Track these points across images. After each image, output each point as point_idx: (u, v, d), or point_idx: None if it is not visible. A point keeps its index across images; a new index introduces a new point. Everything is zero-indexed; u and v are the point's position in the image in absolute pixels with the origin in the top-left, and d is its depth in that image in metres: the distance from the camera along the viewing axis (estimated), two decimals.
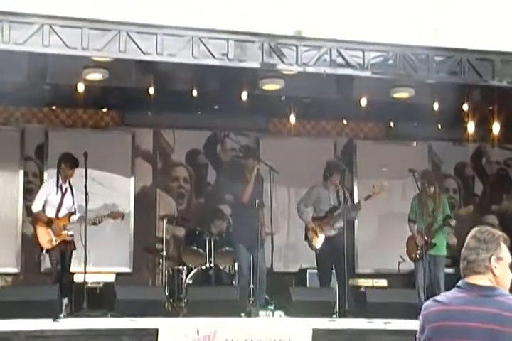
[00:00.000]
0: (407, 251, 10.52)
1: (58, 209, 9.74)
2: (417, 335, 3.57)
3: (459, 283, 3.54)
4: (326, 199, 10.56)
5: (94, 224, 9.64)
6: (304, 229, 10.64)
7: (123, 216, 10.15)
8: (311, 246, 10.56)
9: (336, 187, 10.56)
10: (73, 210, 9.75)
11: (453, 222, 10.25)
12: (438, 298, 3.55)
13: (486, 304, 3.45)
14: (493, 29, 8.20)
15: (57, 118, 11.95)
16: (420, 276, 10.10)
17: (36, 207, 9.83)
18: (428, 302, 3.57)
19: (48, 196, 9.77)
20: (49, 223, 9.65)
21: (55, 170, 10.01)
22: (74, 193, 9.80)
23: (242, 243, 10.08)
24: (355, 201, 10.91)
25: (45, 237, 9.64)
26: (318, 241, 10.38)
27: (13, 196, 11.61)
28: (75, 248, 9.59)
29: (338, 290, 9.76)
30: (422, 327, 3.51)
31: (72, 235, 9.69)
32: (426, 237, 10.06)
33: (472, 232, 3.62)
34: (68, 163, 9.79)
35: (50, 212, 9.74)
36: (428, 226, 10.19)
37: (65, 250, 9.64)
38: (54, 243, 9.59)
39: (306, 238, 10.58)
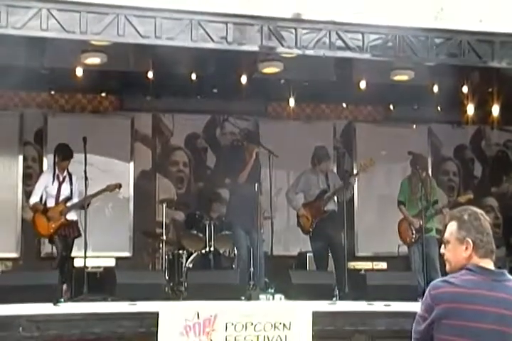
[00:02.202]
0: (399, 234, 10.52)
1: (57, 198, 9.80)
2: (421, 314, 3.54)
3: (470, 266, 3.54)
4: (315, 184, 10.60)
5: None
6: (296, 216, 10.68)
7: (120, 186, 10.14)
8: (303, 231, 10.62)
9: (323, 172, 10.63)
10: (70, 196, 9.77)
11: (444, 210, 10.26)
12: (449, 279, 3.54)
13: (497, 289, 3.47)
14: (492, 10, 8.16)
15: (56, 103, 11.94)
16: (416, 260, 10.13)
17: (33, 199, 9.91)
18: (438, 283, 3.56)
19: (45, 188, 9.85)
20: (45, 211, 9.72)
21: (53, 157, 10.06)
22: (73, 181, 9.82)
23: (241, 227, 10.09)
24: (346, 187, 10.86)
25: (42, 226, 9.75)
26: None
27: (13, 181, 11.62)
28: (79, 235, 9.61)
29: (335, 274, 9.78)
30: (429, 307, 3.50)
31: (71, 220, 9.71)
32: (421, 222, 10.06)
33: (477, 215, 3.61)
34: (61, 155, 9.85)
35: (50, 202, 9.82)
36: (421, 211, 10.16)
37: (67, 236, 9.67)
38: (51, 230, 9.63)
39: (299, 224, 10.63)
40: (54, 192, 9.81)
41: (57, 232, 9.70)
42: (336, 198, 10.55)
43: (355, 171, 11.69)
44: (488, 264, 3.55)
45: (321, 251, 10.37)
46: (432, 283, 3.59)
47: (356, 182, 10.92)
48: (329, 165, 10.96)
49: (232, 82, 10.12)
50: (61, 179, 9.86)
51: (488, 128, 13.02)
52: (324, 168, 10.64)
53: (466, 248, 3.54)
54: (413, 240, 10.25)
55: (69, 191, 9.81)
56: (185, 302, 8.49)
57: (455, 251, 3.58)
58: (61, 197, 9.79)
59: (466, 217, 3.59)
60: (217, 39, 7.70)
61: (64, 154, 9.86)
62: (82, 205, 9.44)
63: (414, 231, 10.25)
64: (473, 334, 3.40)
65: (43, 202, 9.86)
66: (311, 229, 10.47)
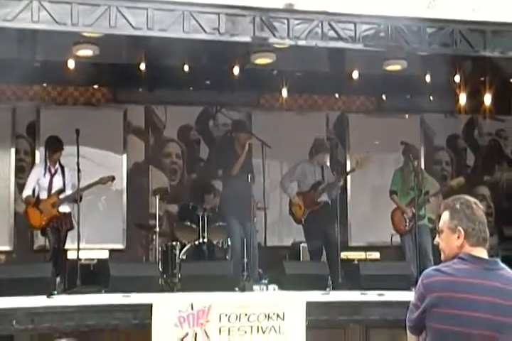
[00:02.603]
0: (393, 224, 10.54)
1: (49, 191, 9.78)
2: (414, 302, 3.57)
3: (462, 254, 3.55)
4: (311, 174, 10.64)
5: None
6: (288, 204, 10.70)
7: (113, 178, 10.12)
8: (295, 220, 10.66)
9: (319, 164, 10.67)
10: (63, 188, 9.77)
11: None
12: (441, 268, 3.56)
13: (489, 277, 3.48)
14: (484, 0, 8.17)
15: (49, 95, 11.92)
16: (409, 249, 10.15)
17: (25, 193, 9.90)
18: (430, 272, 3.57)
19: (38, 180, 9.83)
20: (37, 204, 9.71)
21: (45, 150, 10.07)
22: (66, 173, 9.81)
23: (234, 218, 10.08)
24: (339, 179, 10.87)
25: (35, 218, 9.73)
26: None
27: (5, 174, 11.60)
28: (72, 227, 9.61)
29: (328, 264, 9.80)
30: (421, 295, 3.52)
31: (64, 212, 9.71)
32: (413, 209, 10.09)
33: (470, 203, 3.62)
34: (51, 148, 9.84)
35: (43, 195, 9.81)
36: (413, 199, 10.19)
37: (60, 228, 9.67)
38: (43, 222, 9.63)
39: (291, 212, 10.66)
40: (46, 184, 9.79)
41: (50, 224, 9.67)
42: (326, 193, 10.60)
43: (349, 167, 11.76)
44: (481, 253, 3.56)
45: (315, 241, 10.39)
46: (424, 272, 3.60)
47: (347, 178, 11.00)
48: (326, 157, 10.99)
49: (225, 73, 10.11)
50: (53, 171, 9.84)
51: (480, 117, 13.02)
52: (321, 159, 10.68)
53: (458, 236, 3.56)
54: (407, 228, 10.27)
55: (61, 183, 9.80)
56: (179, 294, 8.50)
57: (448, 240, 3.59)
58: (53, 190, 9.78)
59: (458, 205, 3.60)
60: (209, 30, 7.68)
61: (54, 146, 9.85)
62: (75, 198, 9.45)
63: (407, 220, 10.28)
64: (464, 322, 3.41)
65: (36, 194, 9.85)
66: (303, 219, 10.51)
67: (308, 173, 10.63)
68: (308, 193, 10.55)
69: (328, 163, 11.28)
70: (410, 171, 10.28)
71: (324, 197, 10.55)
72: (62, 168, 9.86)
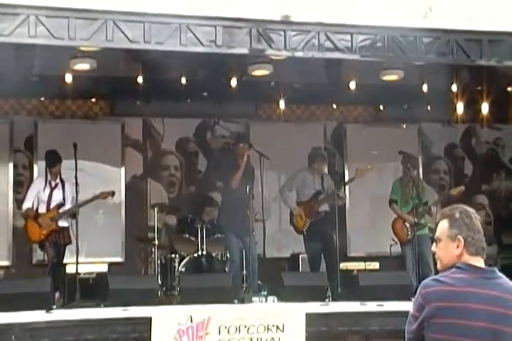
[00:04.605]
0: (394, 233, 10.55)
1: (48, 204, 9.80)
2: (413, 313, 3.54)
3: (460, 264, 3.54)
4: (310, 184, 10.67)
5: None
6: (289, 215, 10.68)
7: (113, 193, 10.14)
8: (296, 230, 10.66)
9: (319, 173, 10.68)
10: (63, 202, 9.76)
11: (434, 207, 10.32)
12: (439, 278, 3.54)
13: (487, 286, 3.48)
14: (480, 9, 8.18)
15: (46, 109, 11.93)
16: (410, 258, 10.15)
17: (25, 205, 9.93)
18: (428, 282, 3.56)
19: (38, 193, 9.85)
20: (36, 217, 9.72)
21: (44, 164, 10.06)
22: (66, 187, 9.82)
23: (233, 230, 10.09)
24: (338, 188, 10.87)
25: (33, 232, 9.76)
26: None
27: (3, 189, 11.59)
28: (70, 242, 9.61)
29: (327, 274, 9.79)
30: (420, 306, 3.50)
31: (62, 227, 9.70)
32: (415, 218, 10.10)
33: (469, 213, 3.62)
34: (49, 161, 9.88)
35: (42, 208, 9.83)
36: (414, 208, 10.21)
37: (58, 243, 9.66)
38: (42, 236, 9.63)
39: (292, 222, 10.66)
40: (45, 198, 9.81)
41: (48, 238, 9.68)
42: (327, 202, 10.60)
43: (348, 177, 11.77)
44: (479, 262, 3.55)
45: (315, 251, 10.41)
46: (422, 282, 3.59)
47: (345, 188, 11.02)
48: (324, 166, 11.02)
49: (222, 85, 10.10)
50: (53, 185, 9.86)
51: (478, 126, 13.06)
52: (319, 168, 10.70)
53: (458, 245, 3.55)
54: (409, 237, 10.27)
55: (61, 197, 9.81)
56: (178, 307, 8.49)
57: (447, 249, 3.59)
58: (53, 203, 9.79)
59: (457, 214, 3.60)
60: (206, 42, 7.69)
61: (52, 160, 9.89)
62: (73, 213, 9.46)
63: (409, 229, 10.28)
64: (463, 332, 3.39)
65: (35, 208, 9.85)
66: (304, 229, 10.50)
67: (308, 182, 10.65)
68: (309, 203, 10.56)
69: (326, 172, 11.29)
70: (409, 181, 10.31)
71: (325, 207, 10.55)
72: (63, 182, 9.87)
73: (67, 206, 9.75)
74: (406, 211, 10.40)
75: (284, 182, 11.20)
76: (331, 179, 11.09)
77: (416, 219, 10.07)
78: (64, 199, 9.80)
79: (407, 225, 10.32)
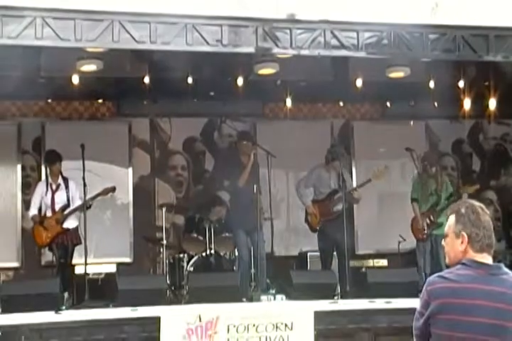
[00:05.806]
0: (412, 231, 10.55)
1: (53, 209, 9.84)
2: (419, 310, 3.55)
3: (465, 260, 3.54)
4: (326, 182, 10.57)
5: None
6: (305, 212, 10.66)
7: (114, 189, 10.15)
8: (311, 228, 10.61)
9: (336, 171, 10.60)
10: (67, 203, 9.77)
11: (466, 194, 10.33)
12: (444, 274, 3.53)
13: (493, 282, 3.47)
14: (486, 5, 8.16)
15: (53, 111, 11.96)
16: (422, 256, 10.16)
17: (31, 212, 9.98)
18: (433, 278, 3.55)
19: (42, 198, 9.89)
20: (42, 221, 9.78)
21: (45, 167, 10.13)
22: (70, 186, 9.82)
23: (241, 228, 10.08)
24: (354, 187, 10.82)
25: (39, 236, 9.81)
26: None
27: (12, 190, 11.62)
28: (79, 242, 9.62)
29: (338, 272, 9.79)
30: (426, 303, 3.51)
31: (69, 228, 9.72)
32: (432, 217, 10.12)
33: (475, 208, 3.60)
34: (48, 160, 9.89)
35: (48, 212, 9.88)
36: (433, 206, 10.26)
37: (66, 244, 9.67)
38: (48, 239, 9.66)
39: (306, 220, 10.62)
40: (49, 202, 9.86)
41: (55, 241, 9.71)
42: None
43: (355, 175, 11.75)
44: (485, 258, 3.54)
45: (328, 250, 10.38)
46: (428, 279, 3.59)
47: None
48: (342, 164, 10.87)
49: (229, 84, 10.12)
50: (54, 188, 9.88)
51: (485, 122, 13.03)
52: (337, 166, 10.54)
53: (462, 241, 3.54)
54: (425, 236, 10.29)
55: (65, 198, 9.83)
56: (187, 306, 8.50)
57: (452, 245, 3.59)
58: (57, 206, 9.81)
59: (463, 210, 3.59)
60: (212, 42, 7.69)
61: (51, 159, 9.90)
62: (85, 206, 9.44)
63: (426, 227, 10.29)
64: (469, 328, 3.39)
65: (43, 212, 9.87)
66: (318, 228, 10.46)
67: (324, 180, 10.56)
68: (324, 202, 10.49)
69: (345, 170, 11.22)
70: (428, 178, 10.33)
71: (340, 207, 10.41)
72: (66, 181, 9.87)
73: (76, 203, 9.75)
74: (426, 209, 10.41)
75: (300, 178, 11.09)
76: (350, 178, 11.01)
77: (433, 218, 10.08)
78: (68, 199, 9.81)
79: (425, 224, 10.32)
